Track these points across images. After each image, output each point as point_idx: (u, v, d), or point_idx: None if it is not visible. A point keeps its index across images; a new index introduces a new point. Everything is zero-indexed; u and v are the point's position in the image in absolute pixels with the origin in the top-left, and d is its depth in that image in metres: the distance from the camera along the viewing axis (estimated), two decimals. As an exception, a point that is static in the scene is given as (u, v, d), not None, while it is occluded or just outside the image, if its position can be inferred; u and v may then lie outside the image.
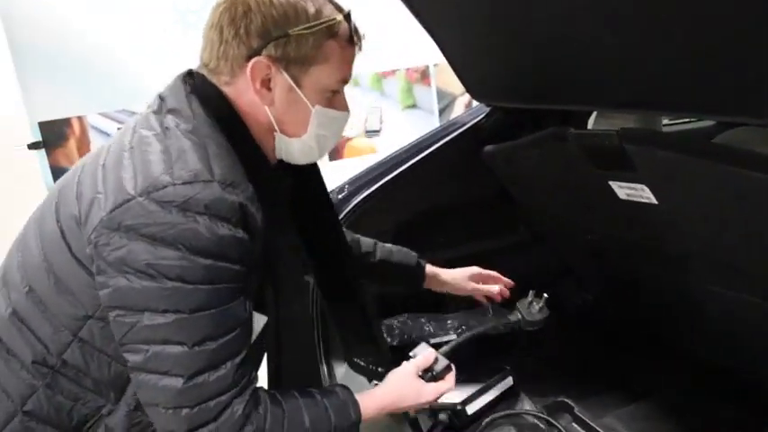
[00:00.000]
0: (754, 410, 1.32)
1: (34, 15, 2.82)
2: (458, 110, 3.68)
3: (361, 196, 1.57)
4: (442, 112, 3.66)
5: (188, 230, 0.83)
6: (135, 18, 3.02)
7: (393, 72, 3.52)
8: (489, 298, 1.51)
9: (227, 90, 0.98)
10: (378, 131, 3.53)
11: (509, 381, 1.46)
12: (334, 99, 1.02)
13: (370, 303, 1.29)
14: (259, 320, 1.01)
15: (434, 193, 1.66)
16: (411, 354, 1.24)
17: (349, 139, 3.47)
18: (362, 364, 1.34)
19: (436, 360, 1.22)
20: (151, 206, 0.83)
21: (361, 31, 1.03)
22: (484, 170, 1.66)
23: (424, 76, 3.60)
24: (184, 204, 0.83)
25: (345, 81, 1.03)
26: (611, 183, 1.27)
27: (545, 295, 1.44)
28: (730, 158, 1.03)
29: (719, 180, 1.06)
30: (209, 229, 0.84)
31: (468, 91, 1.70)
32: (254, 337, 0.99)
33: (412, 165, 1.62)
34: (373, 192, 1.58)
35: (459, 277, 1.49)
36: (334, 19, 0.97)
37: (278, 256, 1.02)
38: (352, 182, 1.64)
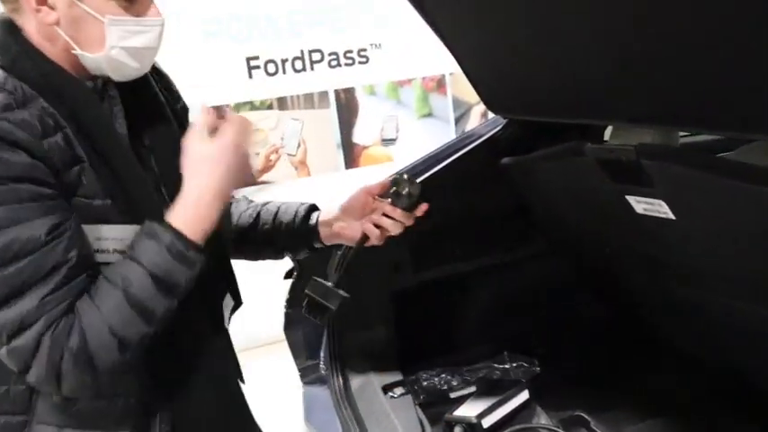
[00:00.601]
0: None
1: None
2: (474, 119, 3.68)
3: (378, 208, 1.57)
4: (457, 120, 3.67)
5: None
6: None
7: (409, 81, 3.53)
8: None
9: (16, 17, 0.95)
10: (394, 140, 3.54)
11: (525, 394, 1.46)
12: (135, 6, 0.96)
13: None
14: (130, 231, 0.94)
15: (451, 204, 1.66)
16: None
17: (365, 148, 3.48)
18: None
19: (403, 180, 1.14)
20: None
21: None
22: (500, 182, 1.67)
23: (440, 84, 3.61)
24: None
25: None
26: (628, 197, 1.27)
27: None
28: (749, 175, 1.03)
29: (738, 196, 1.06)
30: None
31: (484, 103, 1.71)
32: (106, 245, 0.94)
33: (429, 177, 1.62)
34: (391, 203, 1.59)
35: (347, 225, 1.24)
36: None
37: (120, 183, 0.96)
38: (369, 193, 1.65)
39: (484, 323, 1.84)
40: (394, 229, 1.21)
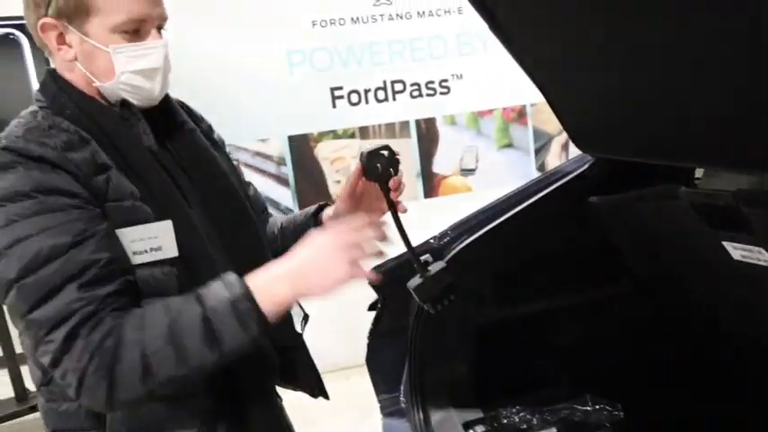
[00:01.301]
0: None
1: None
2: (554, 150, 3.65)
3: (464, 243, 1.59)
4: (538, 151, 3.64)
5: None
6: (246, 57, 3.18)
7: (490, 111, 3.54)
8: None
9: (51, 60, 1.09)
10: (473, 170, 3.55)
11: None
12: (138, 35, 1.06)
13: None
14: (162, 227, 1.01)
15: (537, 242, 1.65)
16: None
17: (445, 177, 3.51)
18: None
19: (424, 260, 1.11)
20: None
21: None
22: (587, 220, 1.65)
23: (521, 115, 3.59)
24: None
25: (138, 19, 1.04)
26: (724, 243, 1.24)
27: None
28: None
29: None
30: None
31: (572, 140, 1.69)
32: (166, 244, 1.00)
33: (515, 214, 1.62)
34: (476, 239, 1.60)
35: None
36: None
37: (149, 184, 1.04)
38: (454, 228, 1.66)
39: (566, 362, 1.81)
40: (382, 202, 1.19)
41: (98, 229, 0.96)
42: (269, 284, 0.98)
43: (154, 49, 1.08)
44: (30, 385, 3.26)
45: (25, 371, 3.21)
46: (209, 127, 1.29)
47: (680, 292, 1.65)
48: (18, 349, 3.13)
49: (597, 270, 1.77)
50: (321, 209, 1.36)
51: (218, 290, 0.96)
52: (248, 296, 0.95)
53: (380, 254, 1.05)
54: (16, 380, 3.20)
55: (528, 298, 1.74)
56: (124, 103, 1.09)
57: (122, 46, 1.04)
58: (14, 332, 3.26)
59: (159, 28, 1.09)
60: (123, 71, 1.05)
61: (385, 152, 1.19)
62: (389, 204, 1.19)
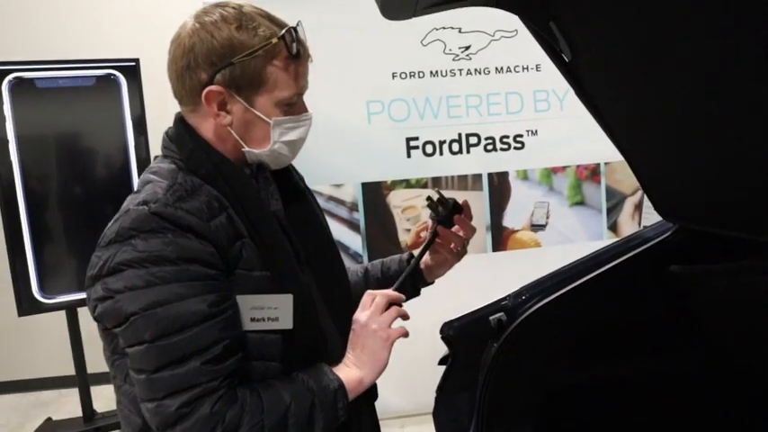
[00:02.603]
0: None
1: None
2: (627, 210, 3.60)
3: (539, 304, 1.59)
4: (610, 211, 3.60)
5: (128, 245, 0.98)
6: (327, 104, 3.29)
7: (563, 168, 3.53)
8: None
9: (193, 118, 1.12)
10: (543, 226, 3.53)
11: None
12: (293, 107, 1.11)
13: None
14: (283, 300, 1.06)
15: (613, 307, 1.64)
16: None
17: (514, 232, 3.50)
18: None
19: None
20: None
21: (306, 41, 1.11)
22: (667, 288, 1.63)
23: (595, 173, 3.57)
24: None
25: (300, 93, 1.11)
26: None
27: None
28: None
29: None
30: (143, 241, 0.98)
31: (654, 207, 1.69)
32: (283, 316, 1.06)
33: (593, 277, 1.61)
34: (552, 300, 1.60)
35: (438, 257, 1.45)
36: (270, 42, 1.05)
37: (275, 255, 1.09)
38: (529, 287, 1.67)
39: (636, 429, 1.77)
40: (455, 242, 1.41)
41: (228, 305, 1.02)
42: (349, 375, 1.11)
43: (306, 121, 1.16)
44: (98, 406, 3.37)
45: (94, 391, 3.33)
46: (301, 177, 1.36)
47: (763, 364, 1.60)
48: (89, 370, 3.25)
49: (673, 338, 1.73)
50: (412, 257, 1.46)
51: (323, 380, 1.06)
52: (344, 390, 1.08)
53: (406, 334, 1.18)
54: (85, 400, 3.30)
55: (601, 363, 1.71)
56: (259, 166, 1.16)
57: (283, 119, 1.11)
58: (88, 354, 3.38)
59: None
60: (276, 141, 1.12)
61: (450, 200, 1.39)
62: (429, 241, 1.40)
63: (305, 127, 1.15)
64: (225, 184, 1.08)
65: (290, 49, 1.08)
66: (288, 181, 1.25)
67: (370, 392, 1.21)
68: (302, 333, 1.08)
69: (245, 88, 1.08)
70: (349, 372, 1.11)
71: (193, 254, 0.99)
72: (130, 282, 0.97)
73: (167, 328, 0.97)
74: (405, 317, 1.23)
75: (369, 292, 1.19)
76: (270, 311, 1.06)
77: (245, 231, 1.07)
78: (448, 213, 1.38)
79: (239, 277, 1.05)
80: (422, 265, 1.45)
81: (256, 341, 1.05)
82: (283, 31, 1.08)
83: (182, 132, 1.13)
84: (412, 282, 1.44)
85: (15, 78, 3.02)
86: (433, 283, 1.49)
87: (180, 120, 1.15)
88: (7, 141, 2.99)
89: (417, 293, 1.46)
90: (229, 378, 1.00)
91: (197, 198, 1.05)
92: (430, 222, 1.42)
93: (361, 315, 1.16)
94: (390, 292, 1.20)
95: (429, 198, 1.40)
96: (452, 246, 1.41)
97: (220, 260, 1.02)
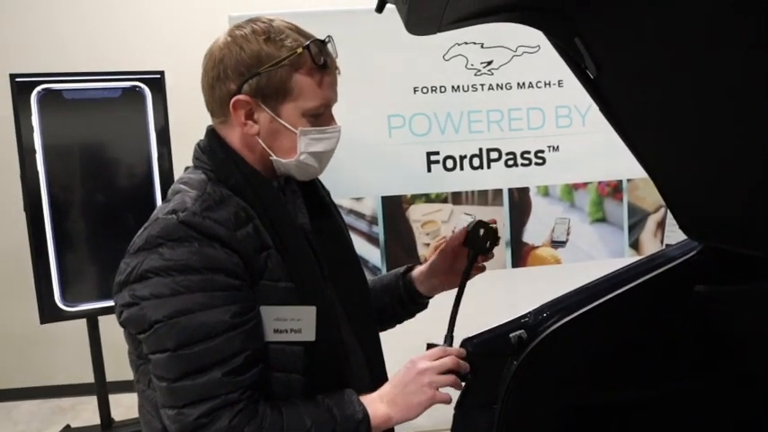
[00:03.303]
0: None
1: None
2: (649, 227, 3.56)
3: (561, 322, 1.57)
4: (632, 228, 3.56)
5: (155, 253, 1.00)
6: (348, 117, 3.30)
7: (585, 185, 3.51)
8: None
9: (223, 129, 1.14)
10: (564, 243, 3.50)
11: None
12: (320, 119, 1.12)
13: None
14: (306, 312, 1.07)
15: (636, 327, 1.61)
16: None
17: (534, 248, 3.47)
18: None
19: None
20: None
21: (333, 52, 1.12)
22: (692, 308, 1.60)
23: (617, 190, 3.54)
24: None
25: (326, 104, 1.12)
26: None
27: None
28: None
29: None
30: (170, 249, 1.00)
31: (680, 226, 1.66)
32: (306, 328, 1.06)
33: (615, 296, 1.59)
34: (573, 319, 1.58)
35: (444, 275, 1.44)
36: (296, 52, 1.06)
37: (299, 267, 1.10)
38: (550, 305, 1.65)
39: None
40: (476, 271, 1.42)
41: (251, 316, 1.03)
42: (378, 410, 1.11)
43: (333, 133, 1.16)
44: (116, 414, 3.39)
45: (113, 400, 3.35)
46: (327, 191, 1.36)
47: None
48: (108, 378, 3.27)
49: (698, 360, 1.70)
50: (409, 270, 1.45)
51: (348, 409, 1.06)
52: (367, 423, 1.07)
53: (457, 384, 1.20)
54: (104, 408, 3.32)
55: (622, 384, 1.69)
56: (287, 179, 1.17)
57: (310, 129, 1.12)
58: (107, 362, 3.42)
59: None
60: (303, 152, 1.13)
61: (494, 226, 1.28)
62: (465, 274, 1.34)
63: (333, 139, 1.16)
64: (253, 195, 1.09)
65: (316, 60, 1.09)
66: (314, 195, 1.26)
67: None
68: (324, 346, 1.07)
69: (271, 98, 1.09)
70: (378, 407, 1.10)
71: (219, 264, 1.00)
72: (156, 289, 0.98)
73: (190, 338, 0.97)
74: (465, 369, 1.22)
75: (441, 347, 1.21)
76: (293, 323, 1.07)
77: (270, 242, 1.08)
78: (491, 246, 1.36)
79: (264, 287, 1.05)
80: (419, 275, 1.46)
81: (279, 352, 1.05)
82: (309, 41, 1.09)
83: (213, 143, 1.15)
84: (408, 293, 1.47)
85: (44, 90, 3.07)
86: (428, 298, 1.50)
87: (211, 131, 1.17)
88: (35, 151, 3.04)
89: (420, 305, 1.50)
90: (250, 390, 1.00)
91: (225, 208, 1.05)
92: (450, 239, 1.40)
93: (417, 356, 1.17)
94: (456, 349, 1.21)
95: (478, 225, 1.36)
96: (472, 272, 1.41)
97: (245, 270, 1.03)
